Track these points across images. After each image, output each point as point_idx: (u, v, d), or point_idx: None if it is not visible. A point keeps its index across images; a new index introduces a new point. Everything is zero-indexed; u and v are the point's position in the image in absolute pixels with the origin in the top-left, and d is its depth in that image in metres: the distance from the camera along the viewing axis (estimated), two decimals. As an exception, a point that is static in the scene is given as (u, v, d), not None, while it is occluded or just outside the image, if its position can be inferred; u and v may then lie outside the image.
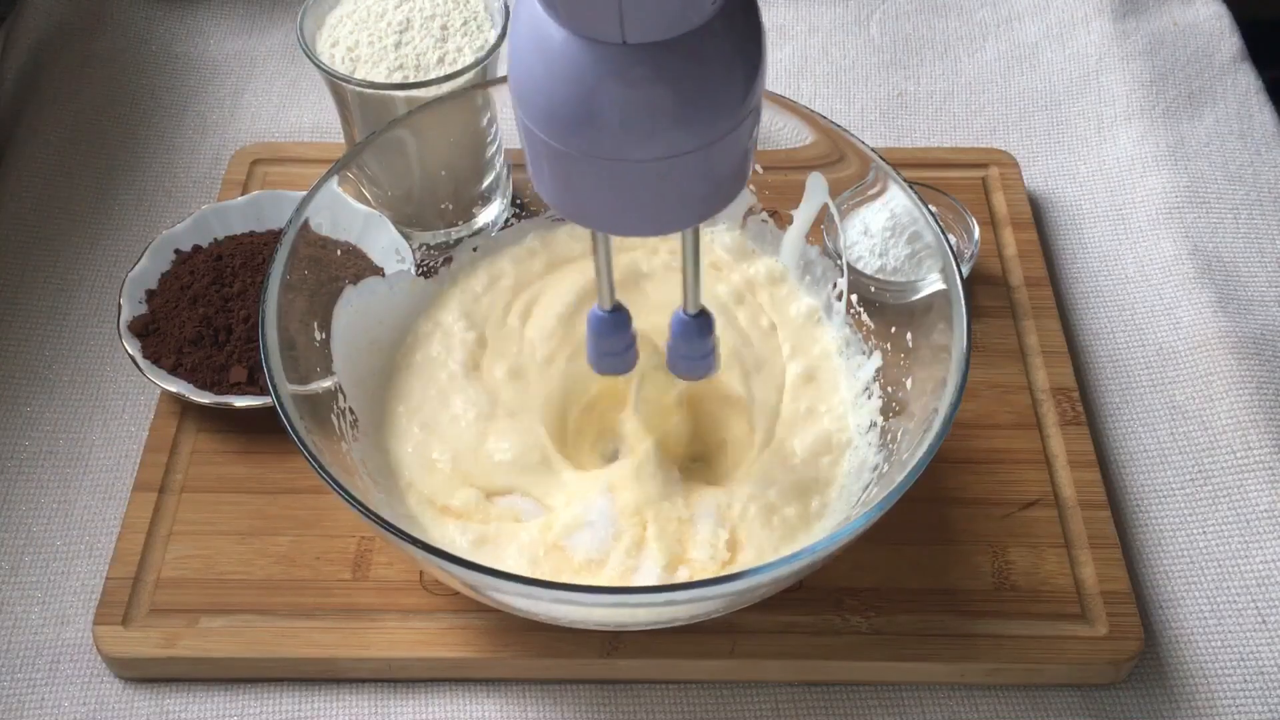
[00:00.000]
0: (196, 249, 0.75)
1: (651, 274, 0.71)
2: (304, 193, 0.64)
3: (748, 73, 0.42)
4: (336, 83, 0.71)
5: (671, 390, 0.64)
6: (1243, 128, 0.88)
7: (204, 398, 0.68)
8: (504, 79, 0.70)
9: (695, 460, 0.66)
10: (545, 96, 0.41)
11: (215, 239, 0.75)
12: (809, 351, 0.69)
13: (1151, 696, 0.62)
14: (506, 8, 0.73)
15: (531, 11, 0.41)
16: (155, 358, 0.70)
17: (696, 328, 0.55)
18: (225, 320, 0.70)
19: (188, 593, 0.64)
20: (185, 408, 0.71)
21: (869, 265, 0.70)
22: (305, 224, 0.63)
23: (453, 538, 0.61)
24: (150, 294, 0.73)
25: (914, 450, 0.57)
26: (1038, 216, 0.83)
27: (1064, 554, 0.65)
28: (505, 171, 0.77)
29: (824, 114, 0.69)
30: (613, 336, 0.55)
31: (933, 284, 0.62)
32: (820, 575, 0.63)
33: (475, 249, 0.73)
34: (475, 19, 0.72)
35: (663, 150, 0.42)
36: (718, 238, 0.73)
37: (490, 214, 0.76)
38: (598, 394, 0.67)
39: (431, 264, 0.72)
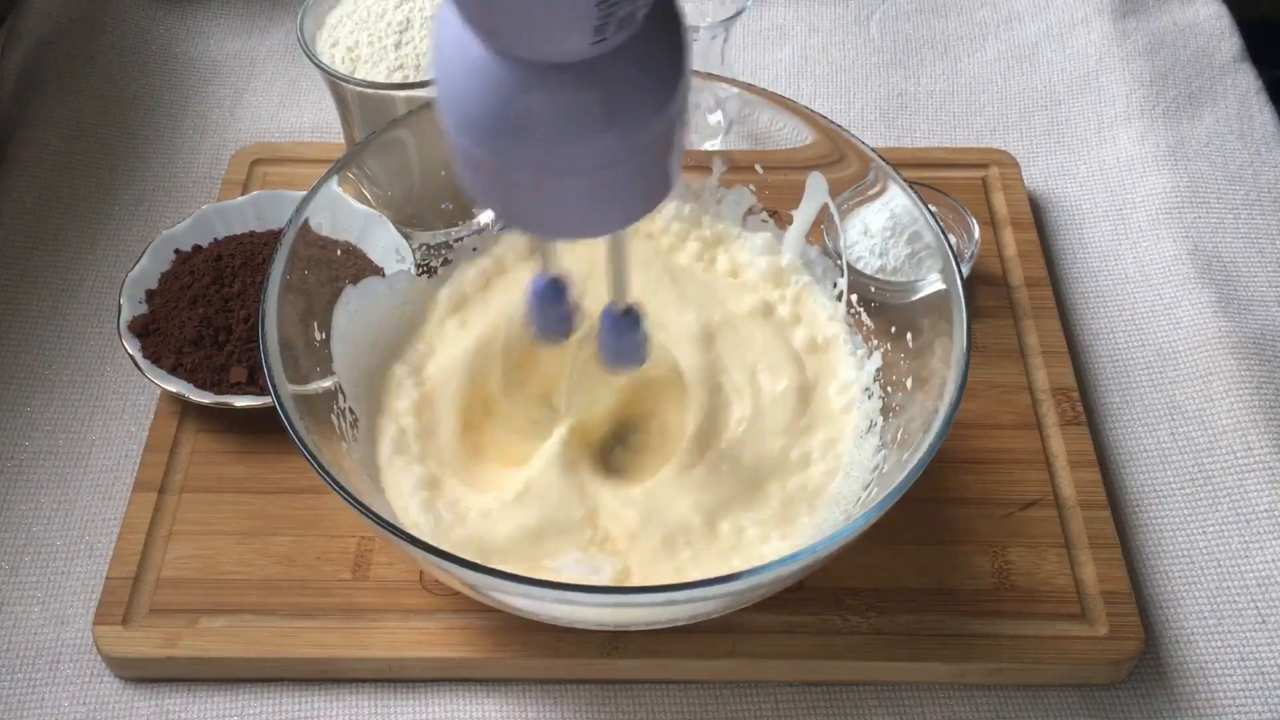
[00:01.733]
0: (196, 249, 0.75)
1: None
2: (304, 193, 0.64)
3: (662, 93, 0.42)
4: (336, 83, 0.71)
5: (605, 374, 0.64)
6: (1243, 128, 0.88)
7: (204, 398, 0.68)
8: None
9: (621, 442, 0.66)
10: (466, 107, 0.42)
11: (215, 239, 0.75)
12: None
13: (1151, 696, 0.62)
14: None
15: (450, 20, 0.41)
16: (155, 358, 0.70)
17: (626, 323, 0.56)
18: (225, 320, 0.70)
19: (188, 593, 0.64)
20: (185, 408, 0.71)
21: (869, 265, 0.70)
22: (305, 224, 0.63)
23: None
24: (150, 294, 0.73)
25: (914, 450, 0.57)
26: (1038, 216, 0.83)
27: (1064, 554, 0.65)
28: (505, 171, 0.77)
29: (824, 114, 0.69)
30: (552, 304, 0.56)
31: (933, 284, 0.62)
32: (820, 575, 0.63)
33: (475, 249, 0.73)
34: (475, 19, 0.72)
35: (581, 162, 0.42)
36: (755, 261, 0.73)
37: (491, 214, 0.76)
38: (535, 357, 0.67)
39: (431, 264, 0.72)
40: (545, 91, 0.40)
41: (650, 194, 0.46)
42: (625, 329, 0.56)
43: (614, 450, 0.66)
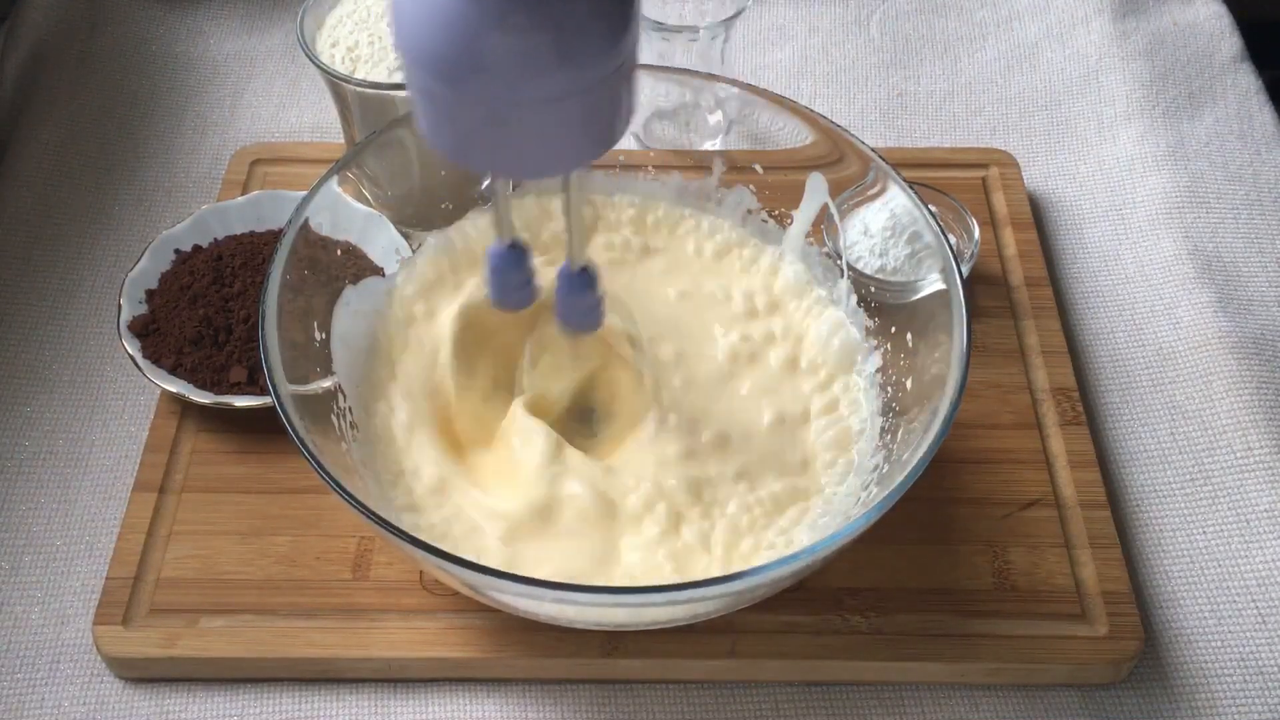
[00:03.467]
0: (196, 249, 0.75)
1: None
2: (304, 193, 0.64)
3: (616, 25, 0.44)
4: (336, 83, 0.71)
5: (567, 340, 0.64)
6: (1243, 128, 0.88)
7: (204, 398, 0.68)
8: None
9: (582, 418, 0.67)
10: (424, 40, 0.43)
11: (215, 239, 0.75)
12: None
13: (1151, 696, 0.62)
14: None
15: None
16: (155, 358, 0.70)
17: (582, 281, 0.56)
18: (225, 320, 0.70)
19: (188, 593, 0.64)
20: (185, 408, 0.71)
21: (869, 265, 0.70)
22: (305, 224, 0.63)
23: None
24: (150, 294, 0.73)
25: (914, 450, 0.57)
26: (1038, 216, 0.83)
27: (1064, 554, 0.65)
28: (505, 171, 0.77)
29: (824, 114, 0.69)
30: (512, 271, 0.56)
31: (933, 284, 0.62)
32: (820, 575, 0.63)
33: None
34: (475, 19, 0.72)
35: (538, 92, 0.44)
36: (784, 269, 0.72)
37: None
38: (499, 331, 0.67)
39: (431, 264, 0.72)
40: (502, 25, 0.42)
41: (601, 136, 0.48)
42: (580, 288, 0.56)
43: (575, 428, 0.66)
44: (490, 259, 0.55)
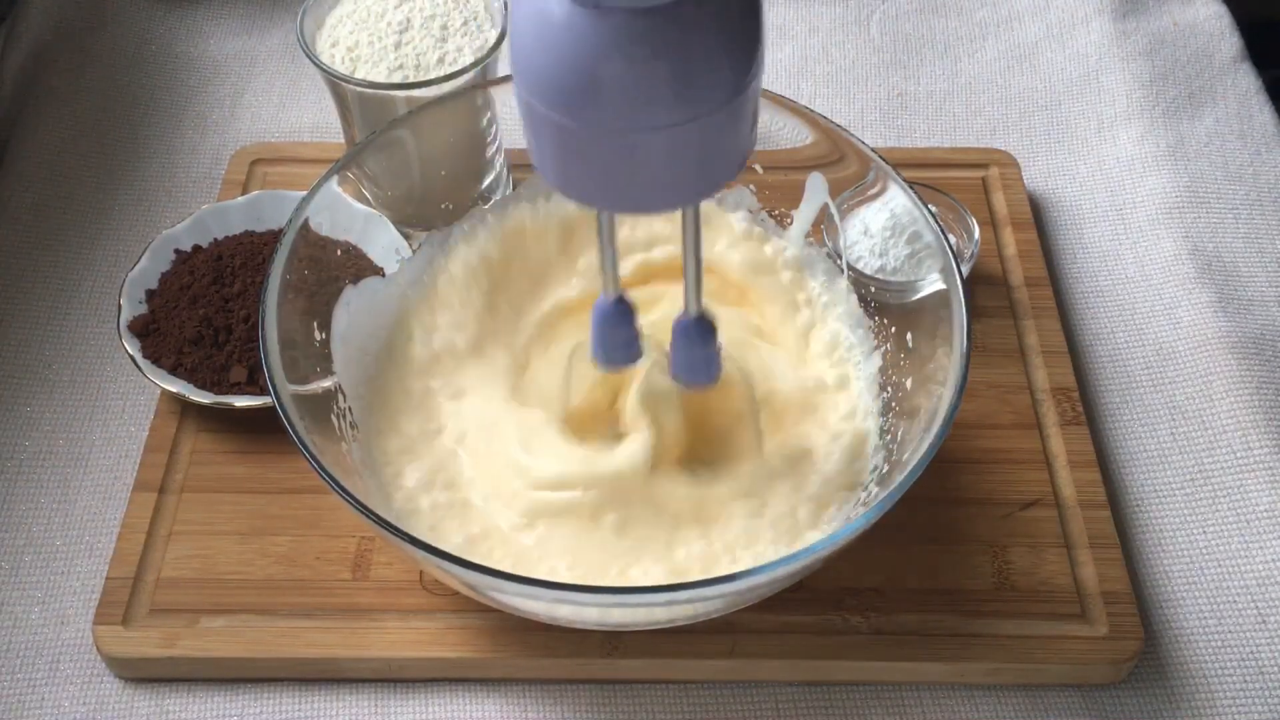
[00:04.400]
0: (196, 249, 0.75)
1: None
2: (304, 193, 0.64)
3: (747, 46, 0.43)
4: (336, 83, 0.71)
5: (674, 393, 0.63)
6: (1243, 128, 0.88)
7: (204, 398, 0.68)
8: (504, 79, 0.70)
9: (698, 462, 0.65)
10: (544, 69, 0.42)
11: (215, 239, 0.75)
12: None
13: (1151, 696, 0.62)
14: (506, 7, 0.73)
15: None
16: (155, 358, 0.70)
17: (698, 332, 0.54)
18: (225, 320, 0.70)
19: (188, 593, 0.64)
20: (185, 408, 0.71)
21: (869, 265, 0.70)
22: (305, 224, 0.63)
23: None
24: (150, 294, 0.73)
25: (914, 450, 0.57)
26: (1038, 216, 0.83)
27: (1064, 554, 0.65)
28: (505, 171, 0.77)
29: (824, 114, 0.69)
30: (618, 328, 0.54)
31: (933, 284, 0.62)
32: (820, 575, 0.63)
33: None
34: (475, 19, 0.72)
35: (662, 120, 0.42)
36: (784, 250, 0.72)
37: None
38: (599, 387, 0.66)
39: (431, 264, 0.72)
40: (623, 46, 0.41)
41: (720, 169, 0.46)
42: (698, 339, 0.54)
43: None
44: (596, 314, 0.54)
